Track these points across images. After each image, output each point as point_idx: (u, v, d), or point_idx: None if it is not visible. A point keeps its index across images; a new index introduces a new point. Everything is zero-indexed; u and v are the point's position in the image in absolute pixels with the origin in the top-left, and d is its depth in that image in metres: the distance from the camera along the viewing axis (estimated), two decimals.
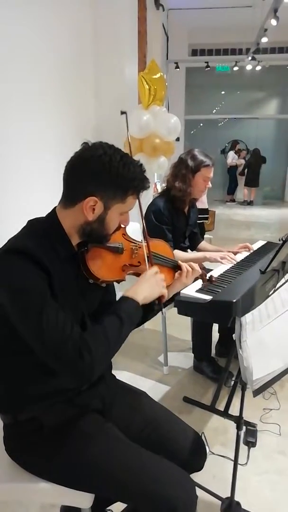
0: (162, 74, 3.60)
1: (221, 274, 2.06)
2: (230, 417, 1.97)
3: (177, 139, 9.56)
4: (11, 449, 1.19)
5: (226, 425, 2.12)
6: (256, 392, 1.08)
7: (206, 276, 1.56)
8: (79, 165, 1.09)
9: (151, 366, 2.72)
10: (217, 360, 2.63)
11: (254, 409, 2.25)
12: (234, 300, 1.57)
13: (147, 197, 4.54)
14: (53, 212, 1.14)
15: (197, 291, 1.81)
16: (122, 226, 1.23)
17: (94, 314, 1.32)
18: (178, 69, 9.86)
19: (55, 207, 1.15)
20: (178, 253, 2.36)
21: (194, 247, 2.70)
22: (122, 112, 1.25)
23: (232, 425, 1.51)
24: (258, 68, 9.48)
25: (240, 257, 2.40)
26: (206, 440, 2.00)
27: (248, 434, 2.03)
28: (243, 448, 1.96)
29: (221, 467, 1.87)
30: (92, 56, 3.39)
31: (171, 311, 1.37)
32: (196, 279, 1.52)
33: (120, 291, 1.42)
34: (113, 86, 3.51)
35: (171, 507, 1.04)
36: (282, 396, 2.38)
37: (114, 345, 1.08)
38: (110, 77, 3.49)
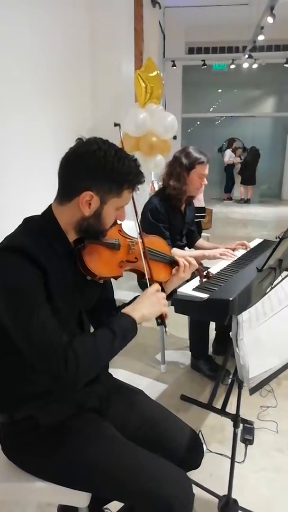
0: (158, 72, 3.59)
1: (218, 272, 2.06)
2: (227, 415, 1.97)
3: (174, 138, 9.56)
4: (7, 448, 1.19)
5: (223, 423, 2.12)
6: (253, 390, 1.08)
7: (203, 271, 1.57)
8: (74, 160, 1.09)
9: (148, 364, 2.72)
10: (214, 358, 2.64)
11: (251, 406, 2.25)
12: (231, 298, 1.58)
13: (143, 195, 4.54)
14: (49, 209, 1.14)
15: (194, 289, 1.82)
16: (119, 222, 1.23)
17: (92, 311, 1.33)
18: (175, 67, 9.84)
19: (50, 204, 1.15)
20: (176, 251, 2.36)
21: (191, 245, 2.70)
22: (116, 124, 1.25)
23: (229, 423, 1.51)
24: (255, 66, 9.47)
25: (238, 254, 2.41)
26: (203, 438, 2.00)
27: (245, 431, 2.03)
28: (240, 445, 1.97)
29: (219, 465, 1.87)
30: (89, 54, 3.38)
31: (168, 309, 1.37)
32: (193, 274, 1.52)
33: (118, 289, 1.42)
34: (109, 84, 3.51)
35: (168, 506, 1.03)
36: (279, 393, 2.39)
37: (103, 357, 1.07)
38: (106, 76, 3.48)
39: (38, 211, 1.17)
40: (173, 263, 1.44)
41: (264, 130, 12.07)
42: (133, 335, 1.14)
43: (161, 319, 1.23)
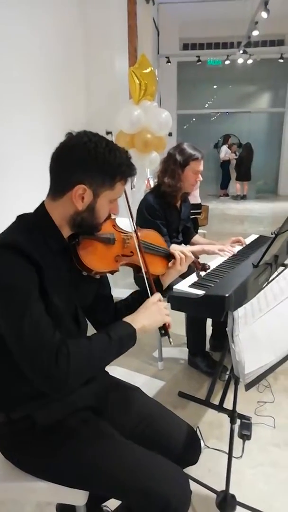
0: (152, 68, 3.58)
1: (214, 268, 2.06)
2: (224, 411, 1.98)
3: (170, 134, 9.56)
4: (4, 448, 1.19)
5: (221, 419, 2.12)
6: (248, 386, 1.09)
7: (199, 264, 1.57)
8: (65, 154, 1.08)
9: (145, 362, 2.72)
10: (211, 354, 2.64)
11: (248, 402, 2.26)
12: (227, 295, 1.58)
13: (139, 193, 4.53)
14: (42, 206, 1.13)
15: (190, 286, 1.82)
16: (113, 215, 1.21)
17: (90, 308, 1.33)
18: (169, 64, 9.84)
19: (43, 201, 1.14)
20: (174, 247, 2.36)
21: (187, 242, 2.70)
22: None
23: (227, 418, 1.51)
24: (250, 61, 9.49)
25: (234, 250, 2.41)
26: (201, 434, 2.01)
27: (242, 427, 2.03)
28: (238, 441, 1.96)
29: (216, 461, 1.88)
30: (83, 51, 3.36)
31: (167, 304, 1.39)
32: (190, 269, 1.52)
33: (114, 287, 1.42)
34: (104, 81, 3.50)
35: (166, 503, 1.04)
36: (276, 389, 2.40)
37: (95, 360, 1.05)
38: (101, 73, 3.47)
39: (29, 211, 1.16)
40: (169, 256, 1.45)
41: (260, 126, 12.06)
42: (131, 345, 1.12)
43: (164, 330, 1.21)
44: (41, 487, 1.15)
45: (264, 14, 6.65)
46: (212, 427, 2.11)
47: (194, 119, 12.24)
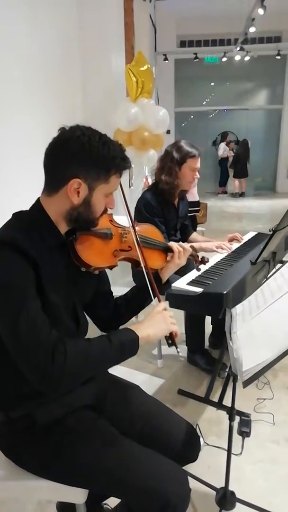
0: (149, 66, 3.58)
1: (212, 266, 2.06)
2: (224, 408, 1.98)
3: (168, 132, 9.53)
4: (4, 447, 1.19)
5: (220, 416, 2.13)
6: (246, 383, 1.09)
7: (198, 257, 1.57)
8: (58, 149, 1.08)
9: (145, 360, 2.73)
10: (210, 352, 2.65)
11: (247, 399, 2.26)
12: (225, 292, 1.58)
13: (137, 191, 4.53)
14: (37, 202, 1.12)
15: (188, 283, 1.82)
16: (109, 209, 1.20)
17: (90, 305, 1.33)
18: (166, 61, 9.83)
19: (38, 198, 1.13)
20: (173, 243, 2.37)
21: (185, 240, 2.70)
22: None
23: (226, 416, 1.52)
24: (247, 58, 9.47)
25: (233, 247, 2.41)
26: (200, 431, 2.02)
27: (242, 424, 2.04)
28: (237, 438, 1.98)
29: (216, 458, 1.88)
30: (78, 49, 3.35)
31: (165, 302, 1.39)
32: (188, 264, 1.52)
33: (113, 285, 1.42)
34: (100, 79, 3.48)
35: (165, 501, 1.04)
36: (275, 385, 2.40)
37: (93, 362, 1.03)
38: (97, 70, 3.45)
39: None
40: (167, 249, 1.45)
41: (258, 123, 12.06)
42: (133, 352, 1.09)
43: (171, 340, 1.18)
44: (42, 485, 1.15)
45: (260, 11, 6.64)
46: (211, 424, 2.12)
47: (192, 117, 12.23)
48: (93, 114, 3.37)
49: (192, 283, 1.82)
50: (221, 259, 2.19)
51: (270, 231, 1.72)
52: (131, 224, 1.30)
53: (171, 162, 2.34)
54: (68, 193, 1.07)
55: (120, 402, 1.31)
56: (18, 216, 1.11)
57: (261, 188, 11.87)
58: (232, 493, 1.62)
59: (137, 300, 1.41)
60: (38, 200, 1.13)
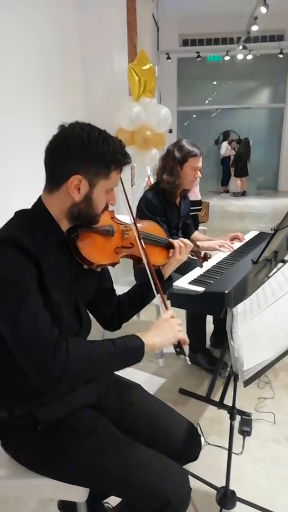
0: (151, 65, 3.58)
1: (213, 265, 2.06)
2: (225, 407, 1.98)
3: (170, 131, 9.50)
4: (7, 445, 1.20)
5: (221, 415, 2.13)
6: (247, 382, 1.09)
7: (200, 253, 1.57)
8: (58, 146, 1.08)
9: (146, 359, 2.72)
10: (212, 351, 2.65)
11: (249, 398, 2.26)
12: (226, 291, 1.58)
13: (139, 190, 4.53)
14: (39, 201, 1.12)
15: (190, 283, 1.82)
16: (110, 205, 1.20)
17: (93, 303, 1.33)
18: (169, 60, 9.81)
19: (40, 196, 1.13)
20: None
21: (187, 238, 2.70)
22: None
23: (227, 415, 1.52)
24: (249, 57, 9.45)
25: (234, 246, 2.41)
26: (201, 430, 2.02)
27: (243, 423, 2.05)
28: (238, 437, 1.98)
29: (217, 457, 1.88)
30: (81, 48, 3.35)
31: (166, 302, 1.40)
32: (190, 263, 1.51)
33: (115, 284, 1.42)
34: (103, 78, 3.48)
35: (165, 501, 1.05)
36: (276, 385, 2.40)
37: (95, 363, 1.03)
38: (99, 70, 3.45)
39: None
40: (169, 246, 1.45)
41: (260, 122, 12.01)
42: (137, 358, 1.09)
43: (179, 348, 1.17)
44: (43, 484, 1.16)
45: (263, 9, 6.63)
46: (212, 423, 2.12)
47: (194, 116, 12.20)
48: (95, 113, 3.37)
49: (194, 282, 1.82)
50: (222, 258, 2.19)
51: (272, 230, 1.72)
52: (132, 221, 1.30)
53: (172, 161, 2.34)
54: (69, 190, 1.07)
55: (121, 401, 1.32)
56: (20, 215, 1.12)
57: (263, 187, 11.85)
58: (233, 492, 1.62)
59: (139, 297, 1.41)
60: (39, 198, 1.13)
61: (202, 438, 1.88)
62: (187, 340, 1.19)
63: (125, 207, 1.30)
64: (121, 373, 1.41)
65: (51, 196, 1.10)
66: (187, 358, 1.19)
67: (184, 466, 1.22)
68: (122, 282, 2.69)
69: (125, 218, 1.36)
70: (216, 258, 2.20)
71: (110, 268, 1.32)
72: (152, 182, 4.03)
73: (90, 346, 1.04)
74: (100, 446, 1.13)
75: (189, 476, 1.17)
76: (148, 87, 3.50)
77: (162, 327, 1.16)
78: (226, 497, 1.59)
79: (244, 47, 8.87)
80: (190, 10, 9.13)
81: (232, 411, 1.49)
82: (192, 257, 1.58)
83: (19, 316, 0.95)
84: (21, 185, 2.18)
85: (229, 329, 1.27)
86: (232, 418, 1.49)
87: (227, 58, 9.63)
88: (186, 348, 2.51)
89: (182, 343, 1.18)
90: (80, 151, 1.05)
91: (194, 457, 1.31)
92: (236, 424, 2.03)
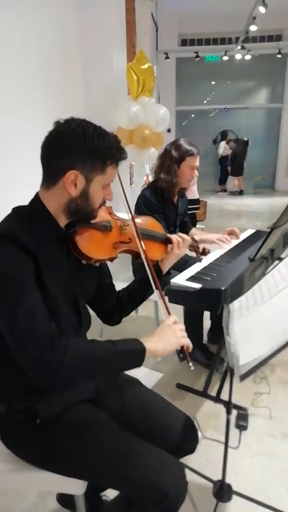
0: (150, 64, 3.59)
1: (211, 262, 2.09)
2: (221, 402, 2.01)
3: (169, 131, 9.49)
4: (6, 438, 1.21)
5: (218, 410, 2.16)
6: (243, 377, 1.10)
7: (199, 248, 1.59)
8: (54, 141, 1.09)
9: None
10: (209, 347, 2.67)
11: (245, 393, 2.29)
12: (223, 288, 1.60)
13: (137, 188, 4.54)
14: (36, 197, 1.13)
15: (188, 279, 1.84)
16: (107, 200, 1.20)
17: (92, 298, 1.34)
18: (168, 60, 9.81)
19: (37, 192, 1.14)
20: None
21: None
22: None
23: (224, 409, 1.54)
24: (248, 57, 9.45)
25: (232, 242, 2.44)
26: (198, 425, 2.04)
27: (239, 418, 2.08)
28: (235, 431, 2.01)
29: (214, 451, 1.91)
30: (80, 47, 3.36)
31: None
32: (188, 261, 1.52)
33: (114, 281, 1.44)
34: (102, 77, 3.49)
35: (162, 494, 1.06)
36: (273, 380, 2.43)
37: (93, 362, 1.04)
38: (98, 69, 3.46)
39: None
40: (167, 241, 1.46)
41: (258, 121, 12.03)
42: (137, 363, 1.09)
43: (183, 353, 1.16)
44: (42, 477, 1.17)
45: (262, 9, 6.64)
46: (209, 417, 2.14)
47: (193, 115, 12.21)
48: (94, 112, 3.38)
49: (191, 279, 1.85)
50: (220, 256, 2.22)
51: (268, 228, 1.74)
52: (130, 215, 1.31)
53: (170, 160, 2.36)
54: (65, 185, 1.08)
55: (119, 395, 1.33)
56: (17, 211, 1.12)
57: (261, 186, 11.87)
58: (229, 485, 1.65)
59: (138, 292, 1.43)
60: (37, 194, 1.14)
61: (199, 432, 1.91)
62: (191, 345, 1.18)
63: (124, 204, 1.31)
64: None
65: (48, 192, 1.11)
66: (191, 364, 1.18)
67: (181, 460, 1.24)
68: (121, 278, 2.71)
69: (124, 216, 1.38)
70: (213, 255, 2.22)
71: (109, 264, 1.33)
72: (151, 181, 4.05)
73: (90, 344, 1.06)
74: (98, 440, 1.14)
75: (186, 470, 1.18)
76: (146, 87, 3.51)
77: (164, 332, 1.16)
78: (222, 490, 1.62)
79: (243, 47, 8.88)
80: (189, 10, 9.14)
81: (229, 405, 1.52)
82: (190, 251, 1.60)
83: (16, 311, 0.96)
84: (21, 184, 2.19)
85: (225, 325, 1.29)
86: (228, 413, 1.51)
87: (225, 58, 9.62)
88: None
89: (186, 349, 1.17)
90: (76, 146, 1.06)
91: (191, 450, 1.32)
92: (233, 418, 2.07)
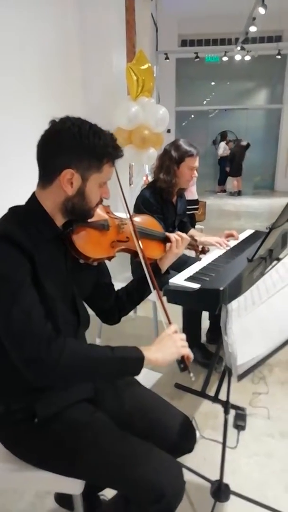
0: (150, 65, 3.59)
1: (209, 262, 2.09)
2: (219, 402, 2.02)
3: (168, 131, 9.50)
4: (4, 438, 1.21)
5: (216, 409, 2.16)
6: (240, 377, 1.10)
7: (198, 246, 1.58)
8: (49, 140, 1.08)
9: None
10: (207, 346, 2.67)
11: (243, 393, 2.29)
12: (221, 288, 1.60)
13: (137, 188, 4.55)
14: (33, 196, 1.13)
15: (186, 279, 1.85)
16: (104, 199, 1.20)
17: (91, 297, 1.34)
18: (168, 60, 9.82)
19: (34, 192, 1.14)
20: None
21: None
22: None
23: (222, 409, 1.54)
24: (247, 58, 9.45)
25: (230, 244, 2.44)
26: (196, 424, 2.05)
27: (237, 418, 2.08)
28: (233, 431, 2.01)
29: (212, 451, 1.91)
30: (79, 47, 3.36)
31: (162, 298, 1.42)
32: (189, 249, 1.51)
33: (113, 281, 1.44)
34: (101, 78, 3.49)
35: (160, 493, 1.06)
36: (271, 380, 2.44)
37: (89, 365, 1.03)
38: (98, 69, 3.47)
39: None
40: (165, 239, 1.46)
41: (257, 122, 12.03)
42: (135, 371, 1.08)
43: (183, 364, 1.15)
44: (40, 476, 1.17)
45: (261, 10, 6.64)
46: (207, 417, 2.15)
47: (192, 116, 12.21)
48: (93, 112, 3.38)
49: (190, 279, 1.85)
50: (218, 256, 2.22)
51: (266, 229, 1.75)
52: (128, 214, 1.30)
53: (169, 160, 2.37)
54: (61, 184, 1.07)
55: (118, 395, 1.33)
56: (14, 210, 1.12)
57: (260, 187, 11.87)
58: (227, 485, 1.65)
59: (137, 291, 1.43)
60: (33, 194, 1.13)
61: (197, 432, 1.91)
62: (192, 356, 1.17)
63: (122, 203, 1.31)
64: None
65: (44, 191, 1.11)
66: (192, 375, 1.16)
67: (179, 459, 1.24)
68: (120, 278, 2.71)
69: (123, 215, 1.38)
70: (212, 255, 2.22)
71: (108, 263, 1.33)
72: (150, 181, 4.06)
73: (88, 346, 1.06)
74: (96, 440, 1.14)
75: (184, 469, 1.19)
76: (146, 87, 3.51)
77: (164, 342, 1.15)
78: (220, 490, 1.62)
79: (242, 48, 8.89)
80: (189, 11, 9.14)
81: (226, 405, 1.52)
82: (190, 250, 1.60)
83: (12, 311, 0.96)
84: (21, 184, 2.20)
85: (223, 324, 1.29)
86: (226, 412, 1.52)
87: (225, 58, 9.62)
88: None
89: (186, 359, 1.16)
90: (71, 145, 1.06)
91: (189, 449, 1.32)
92: (231, 418, 2.07)
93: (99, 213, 1.25)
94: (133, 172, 4.54)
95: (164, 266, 1.46)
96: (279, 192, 11.59)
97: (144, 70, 3.48)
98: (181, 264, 2.38)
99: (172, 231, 2.57)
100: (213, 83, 11.82)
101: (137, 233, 1.30)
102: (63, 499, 1.56)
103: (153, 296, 1.36)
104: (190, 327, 2.58)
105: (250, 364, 1.12)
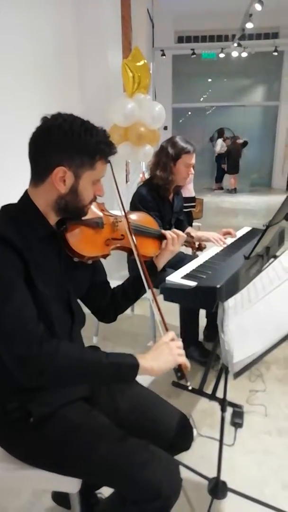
0: (145, 61, 3.57)
1: (206, 260, 2.09)
2: (217, 399, 2.00)
3: (165, 128, 9.48)
4: (0, 437, 1.20)
5: (213, 407, 2.16)
6: (237, 375, 1.10)
7: (194, 243, 1.57)
8: (41, 138, 1.07)
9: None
10: (204, 344, 2.67)
11: (240, 391, 2.30)
12: (218, 286, 1.60)
13: (133, 185, 4.54)
14: (25, 194, 1.12)
15: (183, 277, 1.84)
16: (98, 196, 1.18)
17: (87, 295, 1.33)
18: (164, 57, 9.80)
19: (26, 190, 1.13)
20: None
21: None
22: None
23: (219, 407, 1.54)
24: (244, 54, 9.45)
25: (227, 241, 2.44)
26: (194, 422, 2.05)
27: (235, 415, 2.08)
28: (230, 429, 2.01)
29: (209, 448, 1.91)
30: (75, 44, 3.34)
31: (159, 296, 1.40)
32: (183, 259, 1.51)
33: (108, 279, 1.43)
34: (97, 74, 3.47)
35: (157, 491, 1.06)
36: (268, 378, 2.44)
37: (83, 368, 1.02)
38: (94, 66, 3.44)
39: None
40: (161, 237, 1.44)
41: (254, 119, 12.05)
42: (128, 377, 1.05)
43: (180, 372, 1.11)
44: (36, 475, 1.17)
45: (258, 7, 6.63)
46: (205, 415, 2.15)
47: (189, 113, 12.20)
48: (89, 109, 3.37)
49: (187, 277, 1.85)
50: (215, 254, 2.22)
51: (263, 226, 1.74)
52: (122, 211, 1.29)
53: (166, 157, 2.36)
54: (54, 182, 1.06)
55: (114, 393, 1.33)
56: (6, 209, 1.10)
57: (257, 184, 11.90)
58: (224, 483, 1.65)
59: (133, 289, 1.41)
60: (26, 192, 1.12)
61: (194, 430, 1.91)
62: (188, 365, 1.14)
63: (118, 201, 1.29)
64: None
65: (37, 189, 1.10)
66: (189, 384, 1.14)
67: (176, 457, 1.24)
68: (116, 276, 2.69)
69: (119, 213, 1.37)
70: (208, 253, 2.22)
71: (104, 262, 1.32)
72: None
73: (83, 349, 1.06)
74: (93, 438, 1.14)
75: (181, 467, 1.19)
76: (142, 84, 3.49)
77: (160, 350, 1.11)
78: (217, 487, 1.62)
79: (239, 45, 8.87)
80: (185, 7, 9.11)
81: (223, 403, 1.52)
82: (186, 247, 1.59)
83: (3, 311, 0.95)
84: (17, 183, 2.18)
85: (220, 322, 1.29)
86: (223, 410, 1.52)
87: (222, 55, 9.61)
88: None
89: (183, 368, 1.12)
90: (63, 142, 1.04)
91: (186, 447, 1.32)
92: (228, 416, 2.07)
93: (93, 211, 1.24)
94: (130, 169, 4.53)
95: (160, 263, 1.45)
96: (276, 189, 11.61)
97: (140, 66, 3.46)
98: (178, 261, 2.38)
99: (169, 229, 2.58)
100: (209, 80, 11.81)
101: (131, 230, 1.29)
102: (60, 497, 1.56)
103: (148, 294, 1.35)
104: (187, 325, 2.58)
105: (246, 362, 1.12)
